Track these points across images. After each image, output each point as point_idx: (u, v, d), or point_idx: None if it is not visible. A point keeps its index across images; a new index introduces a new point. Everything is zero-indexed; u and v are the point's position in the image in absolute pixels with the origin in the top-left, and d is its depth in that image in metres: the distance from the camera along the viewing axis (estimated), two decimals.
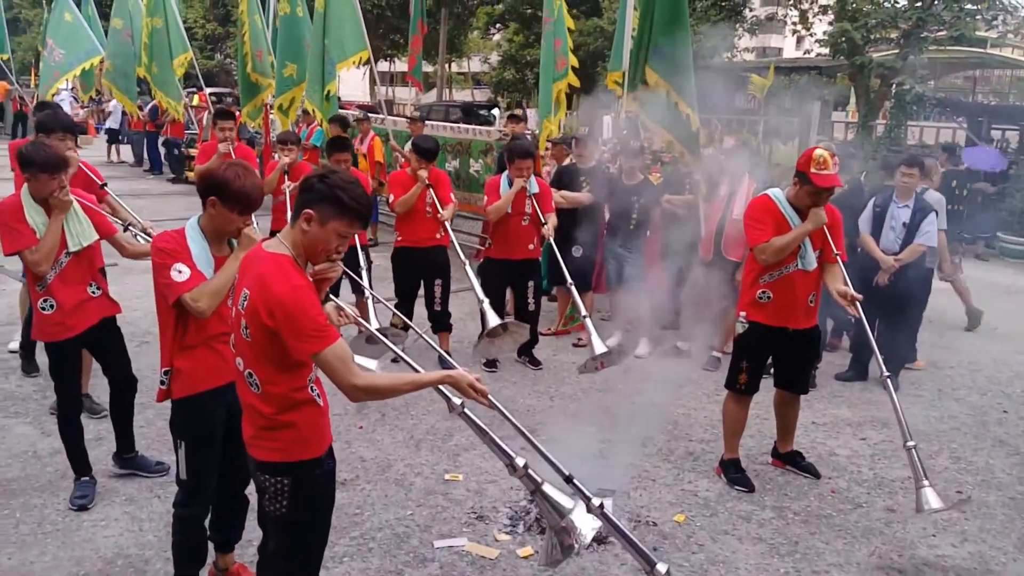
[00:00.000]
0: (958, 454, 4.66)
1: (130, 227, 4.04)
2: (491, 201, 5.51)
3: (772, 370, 4.28)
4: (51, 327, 3.54)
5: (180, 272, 2.68)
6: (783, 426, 4.35)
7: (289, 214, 2.45)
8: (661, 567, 2.52)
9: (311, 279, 2.29)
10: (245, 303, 2.20)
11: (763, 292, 3.98)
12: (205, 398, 2.80)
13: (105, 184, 4.55)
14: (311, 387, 2.33)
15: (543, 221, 5.44)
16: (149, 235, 3.89)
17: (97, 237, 3.66)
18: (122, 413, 3.86)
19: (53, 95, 10.28)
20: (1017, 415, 5.32)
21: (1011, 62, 17.24)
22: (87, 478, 3.68)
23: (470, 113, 21.87)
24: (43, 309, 3.52)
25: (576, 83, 7.11)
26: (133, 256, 3.73)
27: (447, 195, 5.49)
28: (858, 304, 3.84)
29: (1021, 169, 11.38)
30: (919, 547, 3.62)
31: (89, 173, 4.42)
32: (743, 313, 4.07)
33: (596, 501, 2.54)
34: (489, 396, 2.37)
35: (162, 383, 2.85)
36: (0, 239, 3.49)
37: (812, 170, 3.75)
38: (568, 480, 2.51)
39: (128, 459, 3.92)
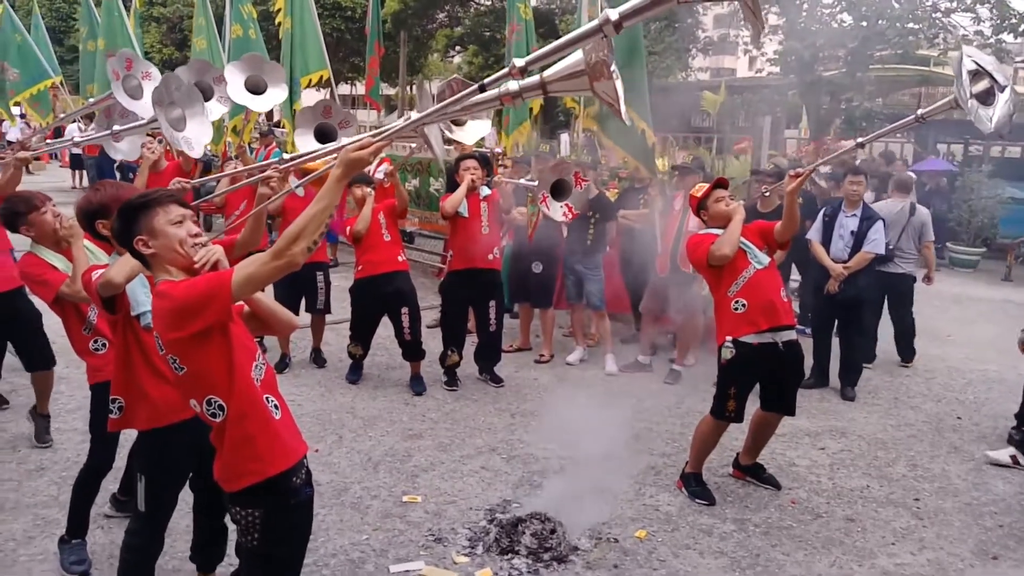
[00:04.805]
0: (915, 461, 4.71)
1: None
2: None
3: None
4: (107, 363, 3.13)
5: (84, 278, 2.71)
6: (757, 443, 4.29)
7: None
8: None
9: None
10: (160, 341, 2.18)
11: (736, 302, 3.96)
12: (173, 431, 2.71)
13: None
14: (266, 397, 2.24)
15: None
16: None
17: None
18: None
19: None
20: (971, 421, 5.41)
21: (953, 79, 17.79)
22: None
23: None
24: (97, 351, 3.28)
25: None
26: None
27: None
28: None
29: (966, 180, 11.72)
30: (878, 556, 3.63)
31: None
32: (728, 338, 3.96)
33: None
34: (373, 142, 2.09)
35: (111, 412, 2.78)
36: (38, 294, 3.47)
37: (699, 196, 4.18)
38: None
39: (125, 501, 3.59)
